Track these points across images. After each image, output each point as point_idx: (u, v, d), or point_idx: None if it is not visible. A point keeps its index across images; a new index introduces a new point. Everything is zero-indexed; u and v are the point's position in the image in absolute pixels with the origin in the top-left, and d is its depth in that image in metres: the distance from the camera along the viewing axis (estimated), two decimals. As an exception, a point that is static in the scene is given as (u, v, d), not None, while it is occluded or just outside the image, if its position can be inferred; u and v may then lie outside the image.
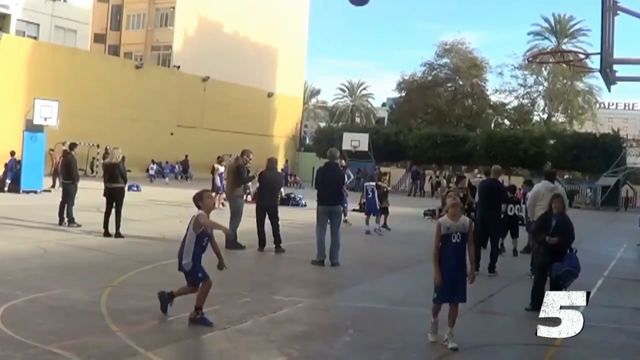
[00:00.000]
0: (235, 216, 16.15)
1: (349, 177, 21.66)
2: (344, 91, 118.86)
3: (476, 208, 15.98)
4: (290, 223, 18.04)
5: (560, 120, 77.88)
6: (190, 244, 8.78)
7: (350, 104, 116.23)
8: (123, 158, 18.07)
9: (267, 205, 16.08)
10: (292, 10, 75.17)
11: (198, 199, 9.00)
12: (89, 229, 17.46)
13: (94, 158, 49.87)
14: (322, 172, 15.33)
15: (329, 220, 14.70)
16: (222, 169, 29.84)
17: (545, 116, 77.22)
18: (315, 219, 14.96)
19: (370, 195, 21.72)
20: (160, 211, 24.94)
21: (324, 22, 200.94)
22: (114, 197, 16.97)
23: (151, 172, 51.83)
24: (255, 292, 11.07)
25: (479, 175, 25.57)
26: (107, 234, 16.55)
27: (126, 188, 17.97)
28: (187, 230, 8.85)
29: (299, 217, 23.10)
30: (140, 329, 8.30)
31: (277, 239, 15.95)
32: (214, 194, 28.26)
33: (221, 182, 28.80)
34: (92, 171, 48.34)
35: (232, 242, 15.82)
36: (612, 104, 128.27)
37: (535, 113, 78.69)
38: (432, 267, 8.28)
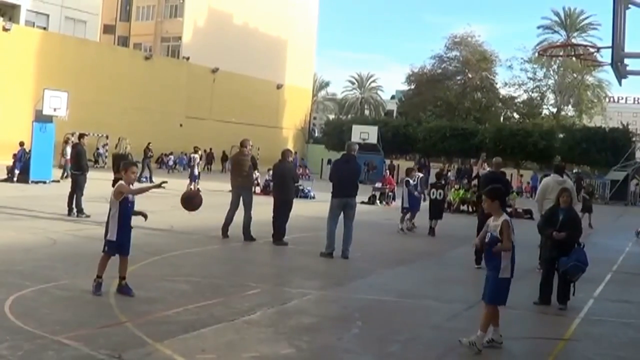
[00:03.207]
0: (249, 208, 16.09)
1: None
2: (353, 83, 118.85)
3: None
4: (299, 215, 18.02)
5: (569, 114, 77.70)
6: (114, 212, 9.40)
7: (359, 96, 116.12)
8: (148, 148, 18.06)
9: (285, 200, 16.04)
10: (302, 2, 75.13)
11: (123, 171, 9.73)
12: (98, 220, 17.40)
13: (97, 149, 49.92)
14: (339, 164, 15.19)
15: (342, 213, 14.67)
16: (197, 157, 30.44)
17: (554, 110, 77.03)
18: (325, 211, 14.95)
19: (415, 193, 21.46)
20: (169, 202, 24.96)
21: (333, 14, 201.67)
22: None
23: (170, 163, 53.16)
24: (264, 283, 11.06)
25: (488, 169, 25.66)
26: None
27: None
28: (110, 202, 9.53)
29: (307, 209, 23.08)
30: (149, 319, 8.31)
31: (282, 232, 15.97)
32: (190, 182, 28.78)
33: (193, 171, 29.20)
34: (96, 162, 47.89)
35: (247, 234, 15.86)
36: (622, 98, 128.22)
37: (544, 107, 78.62)
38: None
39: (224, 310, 8.98)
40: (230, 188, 16.81)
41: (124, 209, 9.41)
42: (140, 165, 36.47)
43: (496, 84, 78.38)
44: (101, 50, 56.16)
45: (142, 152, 37.76)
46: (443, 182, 22.03)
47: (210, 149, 55.87)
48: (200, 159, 31.28)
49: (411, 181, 21.43)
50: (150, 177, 35.11)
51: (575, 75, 74.19)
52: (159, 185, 9.68)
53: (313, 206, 25.35)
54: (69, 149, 32.27)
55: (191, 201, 9.43)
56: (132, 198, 9.56)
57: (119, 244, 9.39)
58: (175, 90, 59.00)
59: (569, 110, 78.41)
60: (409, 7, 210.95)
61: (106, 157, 48.58)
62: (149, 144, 38.95)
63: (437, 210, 20.53)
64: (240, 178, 16.40)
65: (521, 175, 54.42)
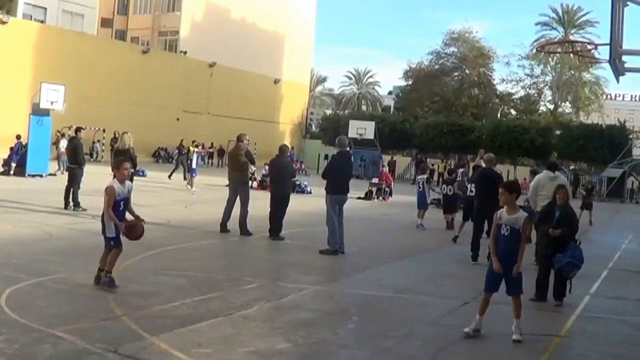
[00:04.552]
0: (246, 203, 16.10)
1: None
2: (350, 79, 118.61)
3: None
4: (296, 210, 18.02)
5: (566, 111, 77.79)
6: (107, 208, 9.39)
7: (356, 92, 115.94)
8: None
9: (282, 195, 16.04)
10: (300, -3, 75.03)
11: (114, 168, 9.78)
12: (95, 213, 17.37)
13: (93, 142, 49.77)
14: (338, 162, 14.97)
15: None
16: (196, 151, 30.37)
17: (551, 107, 77.08)
18: (322, 207, 14.95)
19: (420, 189, 21.44)
20: (167, 196, 24.96)
21: (331, 9, 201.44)
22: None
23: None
24: (260, 278, 11.07)
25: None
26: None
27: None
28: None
29: (304, 204, 23.07)
30: (145, 313, 8.31)
31: (279, 227, 15.97)
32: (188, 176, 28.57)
33: (191, 164, 29.04)
34: (92, 156, 47.56)
35: (243, 229, 15.88)
36: (619, 96, 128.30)
37: (541, 103, 78.70)
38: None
39: (220, 305, 8.98)
40: (228, 183, 16.91)
41: (117, 207, 9.38)
42: (179, 162, 36.12)
43: (493, 80, 78.49)
44: (99, 44, 55.94)
45: (142, 147, 37.60)
46: (454, 177, 22.42)
47: (212, 144, 55.92)
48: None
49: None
50: (181, 172, 33.99)
51: (572, 72, 74.25)
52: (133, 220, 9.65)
53: (310, 201, 25.35)
54: (62, 142, 32.24)
55: (132, 231, 9.41)
56: (125, 195, 9.51)
57: (117, 237, 9.39)
58: (173, 84, 58.85)
59: (566, 107, 78.56)
60: (407, 3, 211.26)
61: (102, 150, 48.57)
62: (182, 140, 38.65)
63: (449, 205, 21.45)
64: (235, 172, 16.46)
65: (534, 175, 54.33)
